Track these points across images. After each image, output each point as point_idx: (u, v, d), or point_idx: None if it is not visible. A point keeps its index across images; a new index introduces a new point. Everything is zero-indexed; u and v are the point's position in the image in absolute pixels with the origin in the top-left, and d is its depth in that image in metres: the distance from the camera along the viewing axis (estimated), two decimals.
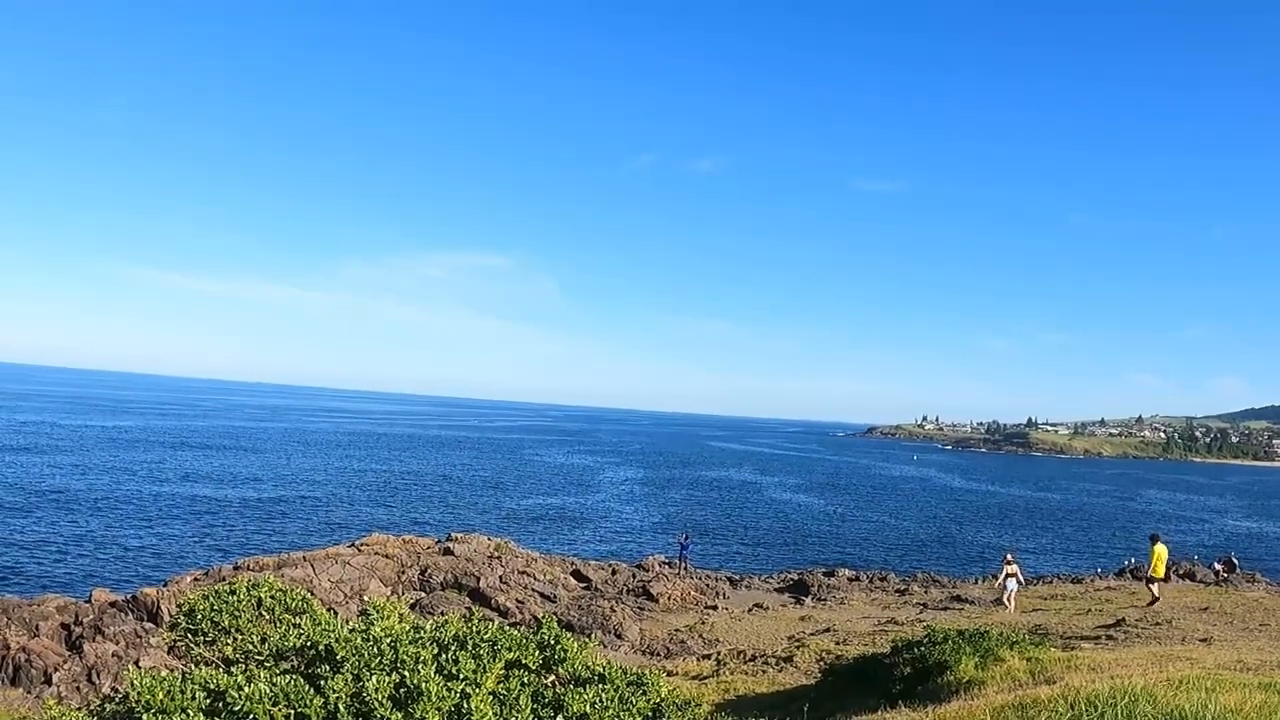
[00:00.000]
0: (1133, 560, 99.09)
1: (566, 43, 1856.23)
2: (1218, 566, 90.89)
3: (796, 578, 79.37)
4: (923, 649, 25.93)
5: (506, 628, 11.42)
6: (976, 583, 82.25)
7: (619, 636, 53.32)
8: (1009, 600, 59.89)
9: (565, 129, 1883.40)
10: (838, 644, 39.71)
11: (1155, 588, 53.22)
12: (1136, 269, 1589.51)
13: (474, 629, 11.42)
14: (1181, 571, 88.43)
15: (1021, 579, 62.73)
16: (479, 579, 61.95)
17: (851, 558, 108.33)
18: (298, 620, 12.66)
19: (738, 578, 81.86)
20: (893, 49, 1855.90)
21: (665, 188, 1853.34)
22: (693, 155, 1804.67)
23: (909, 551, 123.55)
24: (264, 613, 12.93)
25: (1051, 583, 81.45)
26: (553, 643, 11.09)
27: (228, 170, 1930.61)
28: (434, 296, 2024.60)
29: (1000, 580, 62.21)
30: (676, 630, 54.33)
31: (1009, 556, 62.80)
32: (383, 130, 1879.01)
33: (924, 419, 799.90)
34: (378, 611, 11.35)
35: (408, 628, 11.21)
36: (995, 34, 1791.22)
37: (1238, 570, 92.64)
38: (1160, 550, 53.53)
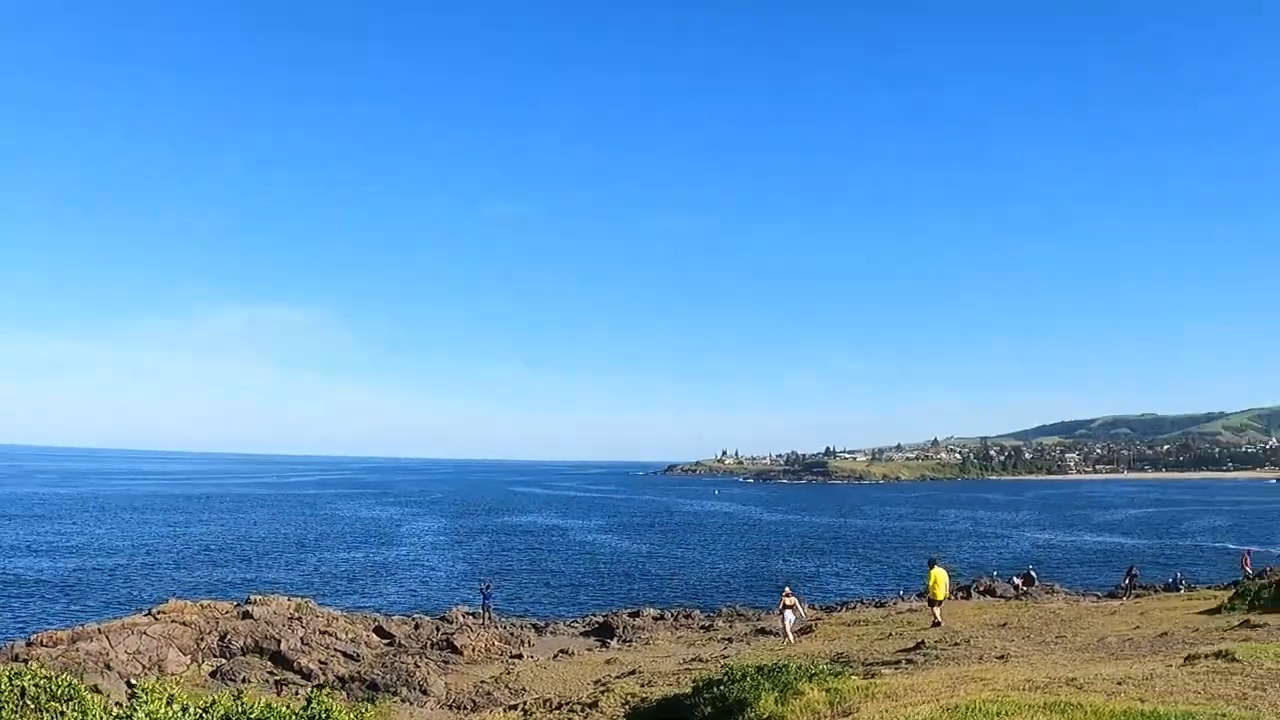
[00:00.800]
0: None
1: (351, 85, 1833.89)
2: (1017, 581, 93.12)
3: (602, 620, 79.21)
4: (722, 687, 25.95)
5: (274, 704, 11.15)
6: (781, 613, 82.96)
7: (424, 692, 52.58)
8: (789, 631, 60.84)
9: (357, 174, 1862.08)
10: (643, 686, 39.59)
11: (937, 611, 54.78)
12: (927, 293, 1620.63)
13: (241, 707, 11.13)
14: (982, 588, 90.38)
15: (801, 611, 63.90)
16: (279, 641, 60.71)
17: (657, 596, 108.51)
18: (64, 709, 12.22)
19: (543, 624, 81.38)
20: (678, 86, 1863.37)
21: (461, 231, 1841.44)
22: (489, 198, 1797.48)
23: (714, 586, 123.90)
24: (28, 702, 12.44)
25: (855, 608, 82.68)
26: (323, 716, 10.86)
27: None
28: (233, 350, 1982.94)
29: (779, 612, 63.42)
30: (482, 682, 53.77)
31: (786, 589, 64.05)
32: (166, 181, 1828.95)
33: (724, 453, 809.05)
34: (145, 694, 10.99)
35: (177, 709, 10.87)
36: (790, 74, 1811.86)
37: (1036, 583, 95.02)
38: (938, 574, 55.19)
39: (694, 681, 30.02)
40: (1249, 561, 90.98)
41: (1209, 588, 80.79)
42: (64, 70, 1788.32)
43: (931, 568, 56.02)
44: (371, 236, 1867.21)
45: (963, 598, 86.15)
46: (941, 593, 55.77)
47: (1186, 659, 23.73)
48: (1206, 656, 23.15)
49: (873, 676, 30.96)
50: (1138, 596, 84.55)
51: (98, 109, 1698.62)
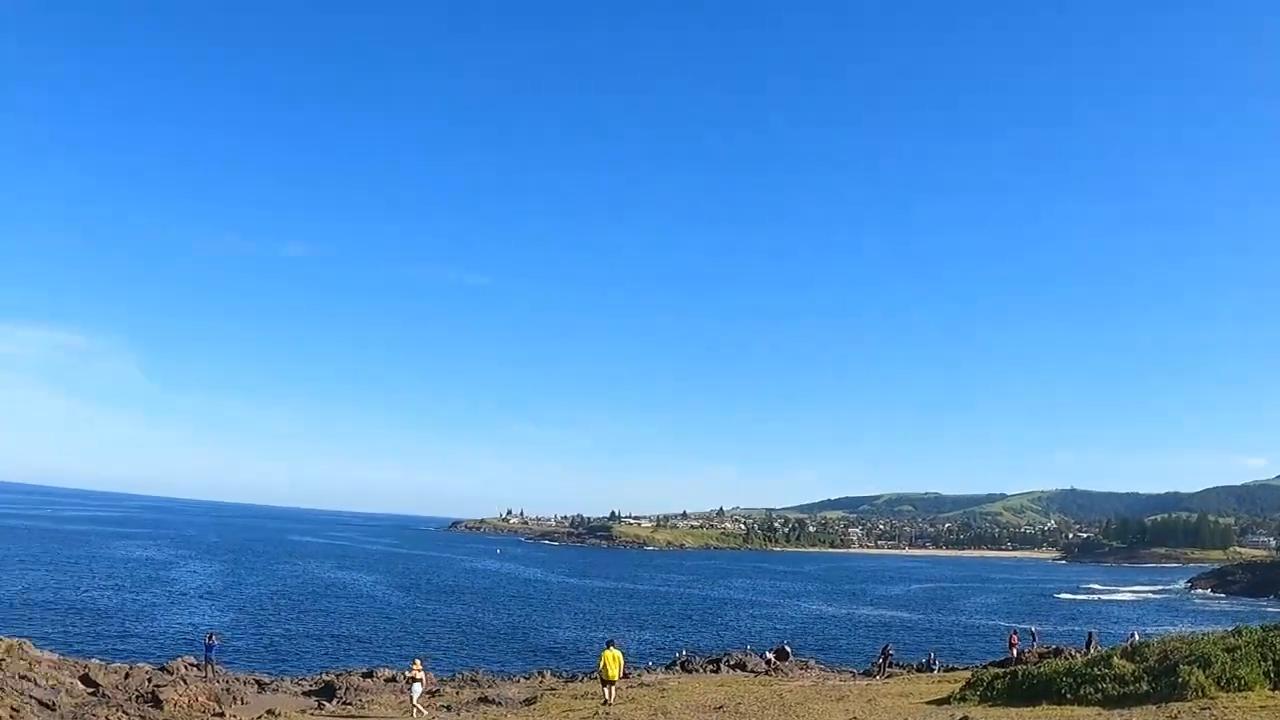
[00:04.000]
0: (683, 653, 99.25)
1: (148, 121, 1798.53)
2: (769, 655, 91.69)
3: (328, 680, 76.04)
4: None
5: None
6: (516, 681, 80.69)
7: None
8: (416, 705, 60.87)
9: (147, 208, 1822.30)
10: None
11: (608, 691, 55.86)
12: (714, 365, 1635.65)
13: None
14: (733, 662, 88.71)
15: (425, 683, 63.50)
16: None
17: (409, 654, 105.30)
18: None
19: (268, 680, 77.51)
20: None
21: (254, 271, 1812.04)
22: (287, 238, 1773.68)
23: (474, 647, 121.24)
24: None
25: (596, 678, 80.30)
26: None
27: None
28: (4, 374, 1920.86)
29: (406, 685, 63.59)
30: None
31: (416, 661, 63.78)
32: None
33: (509, 512, 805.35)
34: None
35: None
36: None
37: (790, 658, 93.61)
38: (608, 655, 55.69)
39: None
40: (1017, 640, 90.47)
41: (968, 668, 79.88)
42: None
43: (608, 647, 56.68)
44: (164, 265, 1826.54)
45: (711, 671, 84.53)
46: (613, 673, 56.11)
47: None
48: None
49: None
50: (889, 676, 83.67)
51: None
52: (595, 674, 59.63)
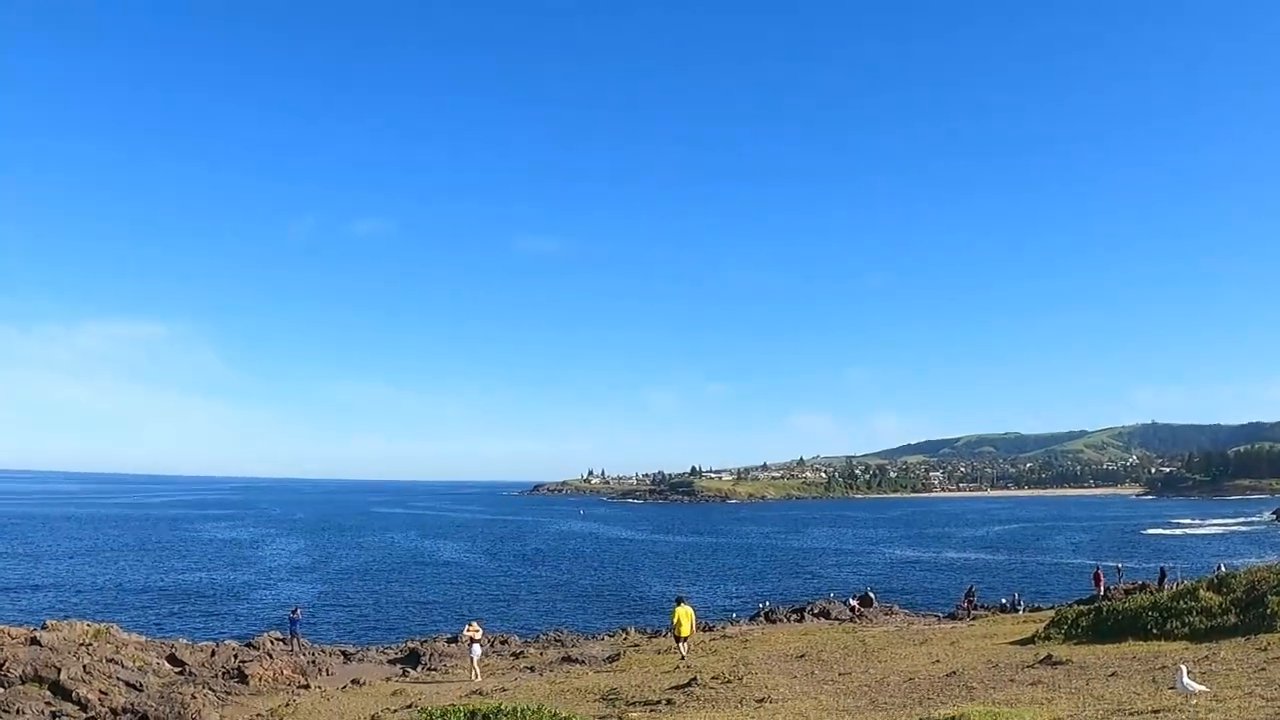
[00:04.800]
0: (766, 604, 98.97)
1: (217, 104, 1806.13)
2: (853, 602, 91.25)
3: (412, 647, 76.23)
4: None
5: None
6: (600, 639, 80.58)
7: None
8: (475, 666, 60.68)
9: (220, 192, 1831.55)
10: None
11: (682, 646, 55.91)
12: (791, 317, 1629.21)
13: None
14: (817, 610, 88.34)
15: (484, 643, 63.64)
16: (60, 670, 56.95)
17: (498, 619, 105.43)
18: None
19: (354, 651, 77.88)
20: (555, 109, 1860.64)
21: (326, 251, 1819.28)
22: (354, 217, 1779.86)
23: (560, 609, 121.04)
24: None
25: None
26: None
27: None
28: (91, 369, 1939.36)
29: (466, 646, 63.12)
30: (258, 715, 50.44)
31: (474, 624, 63.75)
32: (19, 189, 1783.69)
33: (590, 473, 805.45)
34: None
35: None
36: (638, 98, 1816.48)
37: (874, 604, 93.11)
38: (681, 611, 55.59)
39: None
40: (1102, 577, 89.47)
41: (1052, 607, 78.99)
42: None
43: (678, 605, 56.54)
44: (240, 256, 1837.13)
45: (795, 620, 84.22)
46: (685, 630, 55.89)
47: None
48: None
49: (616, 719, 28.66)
50: (975, 618, 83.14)
51: None
52: (670, 631, 58.61)
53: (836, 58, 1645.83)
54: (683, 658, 54.81)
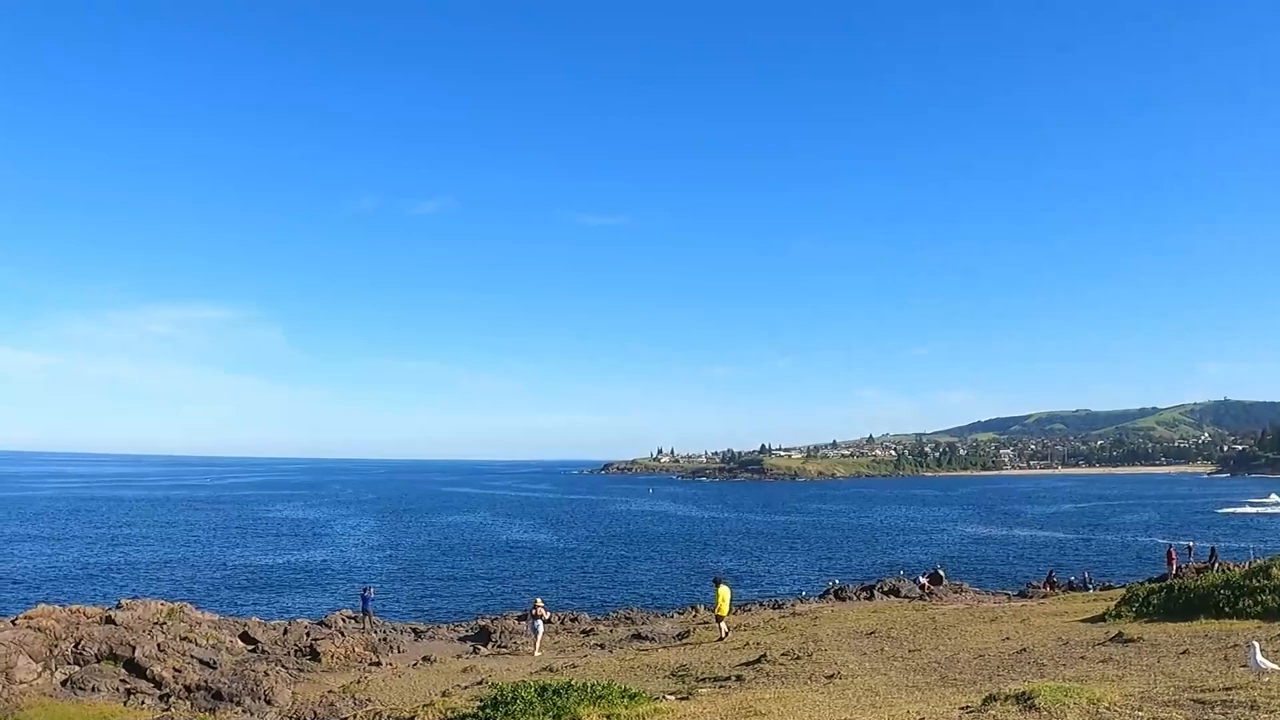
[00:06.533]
0: (836, 581, 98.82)
1: (276, 86, 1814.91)
2: (923, 580, 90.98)
3: (482, 625, 76.62)
4: (487, 712, 23.31)
5: None
6: (670, 616, 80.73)
7: (268, 702, 49.60)
8: (537, 645, 61.84)
9: (281, 173, 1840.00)
10: (473, 699, 37.03)
11: (722, 625, 56.51)
12: (858, 291, 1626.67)
13: None
14: (886, 588, 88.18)
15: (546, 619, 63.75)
16: (134, 648, 57.59)
17: (567, 597, 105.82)
18: None
19: (424, 628, 78.53)
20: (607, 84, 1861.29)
21: (388, 230, 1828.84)
22: (415, 196, 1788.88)
23: (629, 586, 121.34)
24: None
25: (750, 610, 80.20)
26: None
27: None
28: (159, 353, 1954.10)
29: (530, 623, 64.20)
30: (330, 692, 50.82)
31: (539, 600, 64.75)
32: (88, 176, 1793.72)
33: (659, 451, 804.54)
34: None
35: None
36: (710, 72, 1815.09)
37: (944, 582, 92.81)
38: (723, 591, 56.81)
39: (480, 700, 27.39)
40: (1175, 556, 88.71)
41: (1124, 586, 78.47)
42: None
43: (717, 586, 57.69)
44: (303, 237, 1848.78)
45: (865, 598, 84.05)
46: (725, 608, 57.24)
47: (985, 700, 21.12)
48: (1003, 699, 20.46)
49: (688, 696, 28.68)
50: (1045, 597, 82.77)
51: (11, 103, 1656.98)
52: (712, 609, 59.39)
53: (909, 30, 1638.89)
54: (721, 637, 55.35)
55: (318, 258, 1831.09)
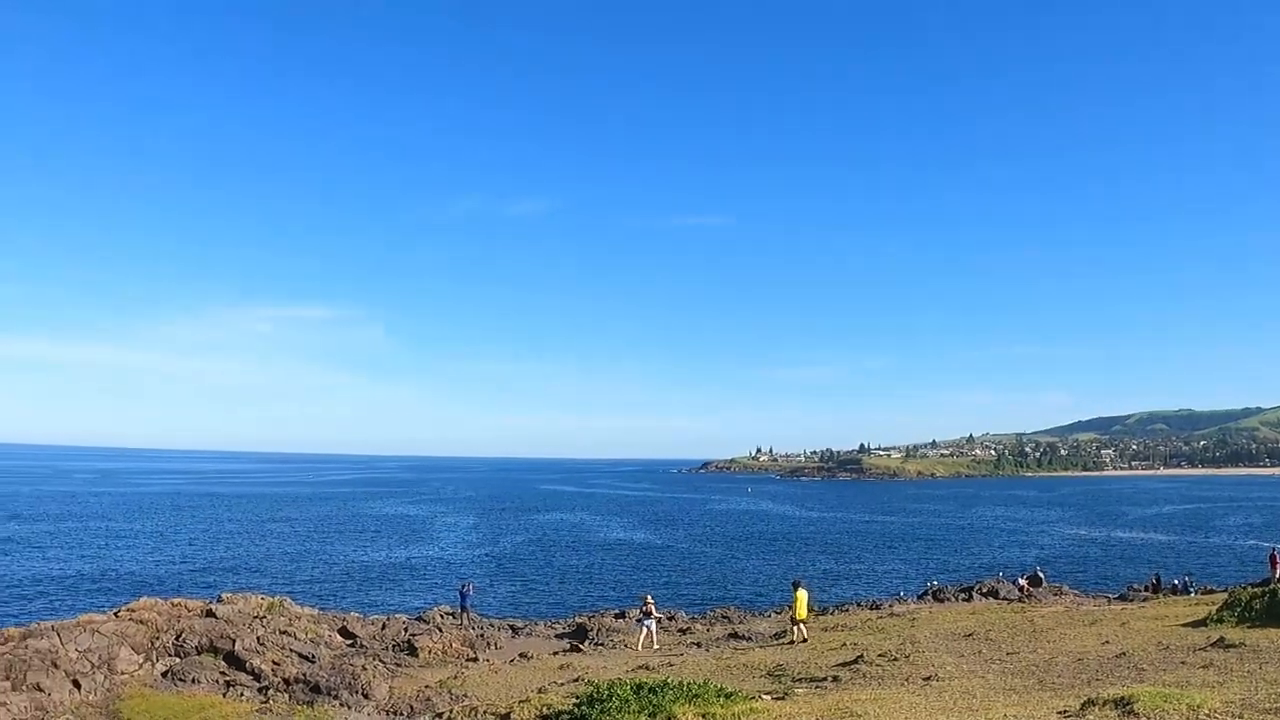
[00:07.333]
0: (934, 582, 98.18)
1: (378, 91, 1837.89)
2: (1022, 582, 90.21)
3: (580, 622, 76.84)
4: (583, 709, 23.38)
5: None
6: (768, 616, 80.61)
7: (366, 696, 50.08)
8: (649, 641, 62.27)
9: (385, 175, 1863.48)
10: (569, 696, 37.15)
11: (798, 629, 56.48)
12: (956, 292, 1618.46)
13: None
14: (985, 590, 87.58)
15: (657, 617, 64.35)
16: (234, 641, 58.28)
17: (666, 596, 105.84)
18: None
19: (521, 625, 78.93)
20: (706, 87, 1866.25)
21: (487, 231, 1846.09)
22: (514, 198, 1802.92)
23: (729, 585, 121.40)
24: None
25: (848, 610, 79.98)
26: None
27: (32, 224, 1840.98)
28: (263, 351, 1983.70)
29: (639, 620, 65.12)
30: (427, 686, 51.25)
31: (648, 598, 65.08)
32: (194, 182, 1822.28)
33: (758, 450, 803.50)
34: None
35: None
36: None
37: (1044, 584, 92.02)
38: (801, 595, 56.60)
39: (576, 697, 27.44)
40: (1278, 560, 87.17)
41: (1225, 589, 77.37)
42: (88, 68, 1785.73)
43: (795, 589, 57.37)
44: (404, 237, 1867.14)
45: (963, 599, 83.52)
46: (803, 611, 56.87)
47: (1084, 705, 20.89)
48: (1102, 704, 20.25)
49: (784, 695, 28.62)
50: (1146, 600, 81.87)
51: (116, 108, 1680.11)
52: (789, 610, 59.84)
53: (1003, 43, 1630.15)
54: (803, 640, 55.52)
55: (419, 260, 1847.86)
